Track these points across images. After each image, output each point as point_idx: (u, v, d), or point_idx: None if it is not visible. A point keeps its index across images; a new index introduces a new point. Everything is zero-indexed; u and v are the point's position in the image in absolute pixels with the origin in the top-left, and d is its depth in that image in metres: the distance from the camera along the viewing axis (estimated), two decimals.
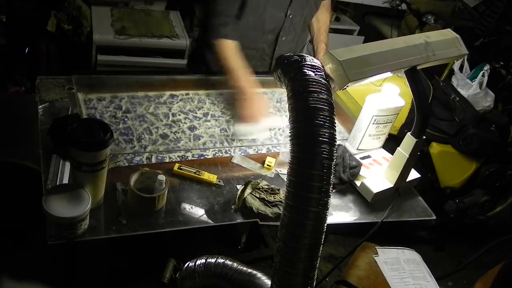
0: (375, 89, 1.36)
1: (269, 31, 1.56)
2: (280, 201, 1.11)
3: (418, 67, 1.03)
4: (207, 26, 1.46)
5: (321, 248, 0.81)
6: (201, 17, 1.50)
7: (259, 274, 1.09)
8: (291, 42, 1.65)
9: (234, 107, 1.39)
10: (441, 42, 1.06)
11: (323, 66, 0.87)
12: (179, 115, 1.38)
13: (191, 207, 1.08)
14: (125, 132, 1.26)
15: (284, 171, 1.25)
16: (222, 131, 1.36)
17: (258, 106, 1.34)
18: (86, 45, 2.56)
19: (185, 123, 1.35)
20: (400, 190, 1.25)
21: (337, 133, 0.80)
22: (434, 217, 1.27)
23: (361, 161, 1.27)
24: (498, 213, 2.41)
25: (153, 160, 1.19)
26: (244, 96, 1.34)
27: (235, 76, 1.37)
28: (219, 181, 1.16)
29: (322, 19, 1.68)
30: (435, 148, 2.24)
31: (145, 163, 1.17)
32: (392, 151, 1.23)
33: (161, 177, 1.02)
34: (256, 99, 1.35)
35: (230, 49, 1.41)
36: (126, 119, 1.30)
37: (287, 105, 0.85)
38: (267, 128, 1.38)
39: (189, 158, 1.23)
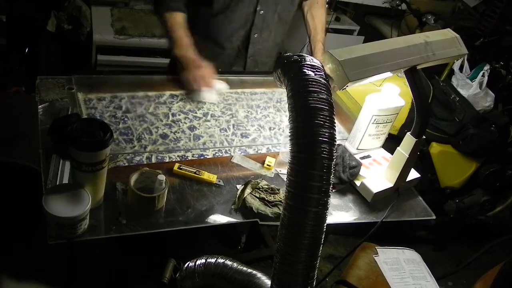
0: (375, 89, 1.36)
1: (240, 27, 1.52)
2: (280, 201, 1.11)
3: (418, 67, 1.03)
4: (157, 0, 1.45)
5: (321, 248, 0.81)
6: None
7: (259, 274, 1.09)
8: (266, 40, 1.60)
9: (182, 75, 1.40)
10: (441, 42, 1.06)
11: (322, 66, 0.87)
12: (179, 115, 1.38)
13: (191, 207, 1.08)
14: (125, 132, 1.26)
15: (284, 171, 1.25)
16: (222, 131, 1.36)
17: (202, 71, 1.35)
18: (86, 45, 2.57)
19: (185, 123, 1.35)
20: (400, 190, 1.25)
21: (337, 133, 0.80)
22: (434, 217, 1.27)
23: (361, 161, 1.27)
24: (498, 213, 2.42)
25: (153, 160, 1.19)
26: (188, 62, 1.35)
27: (179, 44, 1.38)
28: (219, 181, 1.16)
29: (317, 16, 1.64)
30: (435, 148, 2.25)
31: (145, 163, 1.17)
32: (392, 151, 1.23)
33: (161, 177, 1.02)
34: (200, 65, 1.36)
35: (177, 21, 1.41)
36: (126, 119, 1.30)
37: (287, 105, 0.85)
38: (216, 90, 1.39)
39: (189, 158, 1.23)
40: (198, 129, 1.34)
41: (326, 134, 0.78)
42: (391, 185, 1.22)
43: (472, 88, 2.17)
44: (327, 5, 3.23)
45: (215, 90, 1.38)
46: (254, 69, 1.66)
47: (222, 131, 1.36)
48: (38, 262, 1.30)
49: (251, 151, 1.31)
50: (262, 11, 1.49)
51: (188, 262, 1.11)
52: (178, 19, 1.41)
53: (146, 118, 1.32)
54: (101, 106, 1.33)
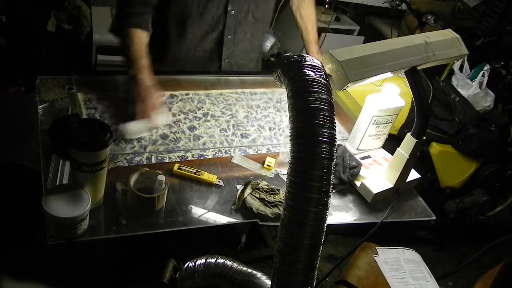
0: (375, 89, 1.36)
1: (212, 30, 1.47)
2: (280, 201, 1.11)
3: (419, 68, 1.03)
4: (119, 15, 1.37)
5: (321, 248, 0.81)
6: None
7: (259, 274, 1.09)
8: (242, 41, 1.54)
9: (127, 103, 1.27)
10: (441, 42, 1.06)
11: (323, 66, 0.87)
12: (179, 115, 1.38)
13: (191, 207, 1.08)
14: None
15: (284, 171, 1.25)
16: (222, 131, 1.36)
17: (152, 102, 1.24)
18: (86, 45, 2.57)
19: (185, 123, 1.35)
20: (400, 191, 1.25)
21: (337, 133, 0.80)
22: (434, 218, 1.27)
23: (361, 161, 1.27)
24: (498, 213, 2.42)
25: (153, 160, 1.19)
26: (140, 89, 1.24)
27: (135, 66, 1.27)
28: (219, 181, 1.16)
29: (306, 16, 1.60)
30: (435, 148, 2.25)
31: (145, 163, 1.17)
32: (392, 151, 1.23)
33: (161, 177, 1.02)
34: (152, 94, 1.25)
35: (138, 39, 1.31)
36: None
37: (287, 105, 0.85)
38: (156, 126, 1.27)
39: (189, 158, 1.23)
40: (198, 129, 1.34)
41: (326, 134, 0.78)
42: (391, 185, 1.22)
43: (472, 88, 2.17)
44: (326, 5, 3.25)
45: (155, 124, 1.25)
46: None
47: (222, 131, 1.36)
48: (38, 262, 1.30)
49: (251, 152, 1.31)
50: (233, 11, 1.44)
51: (188, 262, 1.11)
52: (141, 37, 1.31)
53: None
54: (101, 106, 1.33)
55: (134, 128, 1.22)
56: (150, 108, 1.22)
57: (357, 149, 1.33)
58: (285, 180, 0.82)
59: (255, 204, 1.09)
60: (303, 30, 1.60)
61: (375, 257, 1.19)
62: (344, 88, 0.89)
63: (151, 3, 1.36)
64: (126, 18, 1.33)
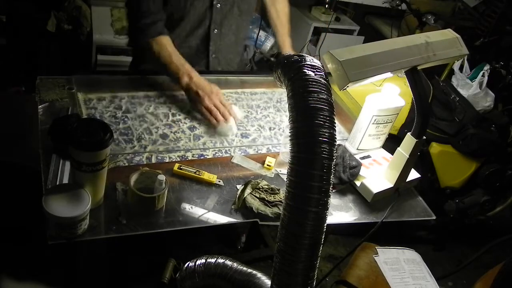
0: (375, 89, 1.36)
1: (198, 25, 1.46)
2: (280, 201, 1.11)
3: (419, 67, 1.03)
4: (136, 28, 1.38)
5: (321, 248, 0.81)
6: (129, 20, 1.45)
7: (259, 274, 1.09)
8: (227, 35, 1.54)
9: (196, 108, 1.35)
10: (442, 42, 1.06)
11: (323, 66, 0.87)
12: (179, 115, 1.38)
13: (191, 207, 1.08)
14: (125, 132, 1.26)
15: (284, 171, 1.25)
16: None
17: (219, 98, 1.30)
18: (86, 45, 2.57)
19: (185, 123, 1.35)
20: (400, 190, 1.25)
21: (337, 133, 0.80)
22: (434, 217, 1.27)
23: (361, 161, 1.27)
24: (498, 213, 2.42)
25: (153, 160, 1.19)
26: (200, 89, 1.30)
27: (183, 73, 1.32)
28: (219, 181, 1.16)
29: (280, 9, 1.61)
30: (435, 148, 2.25)
31: (145, 163, 1.17)
32: (392, 151, 1.23)
33: (161, 177, 1.02)
34: (213, 89, 1.31)
35: (169, 48, 1.34)
36: (126, 119, 1.30)
37: (287, 105, 0.85)
38: (238, 119, 1.37)
39: (189, 158, 1.23)
40: (198, 129, 1.34)
41: (326, 134, 0.78)
42: (391, 185, 1.22)
43: (472, 88, 2.17)
44: (326, 5, 3.25)
45: (232, 120, 1.33)
46: (218, 68, 1.61)
47: None
48: (38, 262, 1.30)
49: (251, 151, 1.31)
50: (219, 5, 1.44)
51: (188, 262, 1.11)
52: (168, 43, 1.34)
53: (146, 118, 1.32)
54: (101, 106, 1.33)
55: (223, 128, 1.30)
56: (218, 102, 1.30)
57: (357, 149, 1.33)
58: (285, 180, 0.82)
59: (255, 203, 1.09)
60: (278, 24, 1.62)
61: (375, 257, 1.19)
62: (345, 88, 0.89)
63: (161, 8, 1.37)
64: (145, 31, 1.35)
